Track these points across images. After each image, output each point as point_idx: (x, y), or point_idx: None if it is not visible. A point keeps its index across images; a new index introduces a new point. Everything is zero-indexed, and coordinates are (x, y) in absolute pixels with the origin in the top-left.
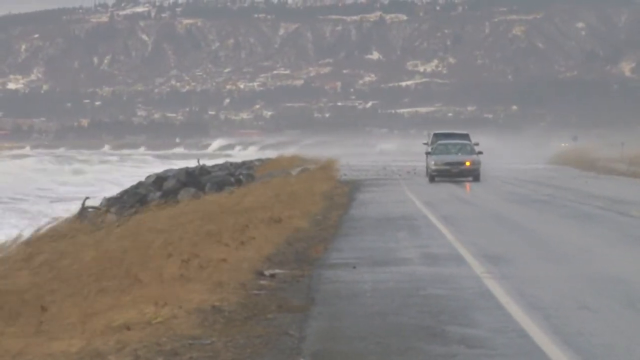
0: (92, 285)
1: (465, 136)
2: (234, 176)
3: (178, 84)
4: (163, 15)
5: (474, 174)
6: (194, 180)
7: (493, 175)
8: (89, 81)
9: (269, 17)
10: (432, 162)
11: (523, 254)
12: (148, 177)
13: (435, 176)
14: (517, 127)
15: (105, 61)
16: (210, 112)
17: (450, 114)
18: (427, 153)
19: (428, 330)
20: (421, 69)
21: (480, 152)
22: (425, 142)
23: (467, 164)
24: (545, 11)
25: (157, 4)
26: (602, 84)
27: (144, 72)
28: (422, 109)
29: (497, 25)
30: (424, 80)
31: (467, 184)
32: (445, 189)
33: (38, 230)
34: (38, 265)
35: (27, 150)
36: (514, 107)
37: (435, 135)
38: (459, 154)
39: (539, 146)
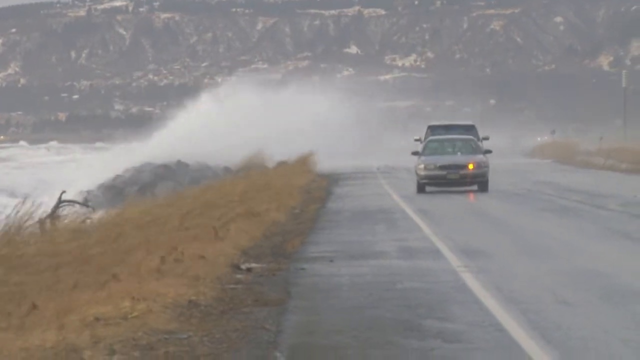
0: (68, 280)
1: (470, 128)
2: (211, 169)
3: (156, 77)
4: (141, 9)
5: (479, 181)
6: (172, 174)
7: None
8: (67, 75)
9: (247, 11)
10: (422, 166)
11: (500, 248)
12: (125, 170)
13: (426, 184)
14: (495, 121)
15: (83, 55)
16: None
17: (428, 109)
18: (416, 153)
19: (405, 324)
20: (399, 63)
21: (488, 151)
22: (417, 138)
23: (470, 167)
24: (523, 6)
25: None
26: (580, 79)
27: (121, 66)
28: (401, 103)
29: (475, 19)
30: (402, 74)
31: (471, 194)
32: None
33: (14, 223)
34: (13, 260)
35: (23, 143)
36: (492, 102)
37: (430, 128)
38: (459, 153)
39: (517, 140)
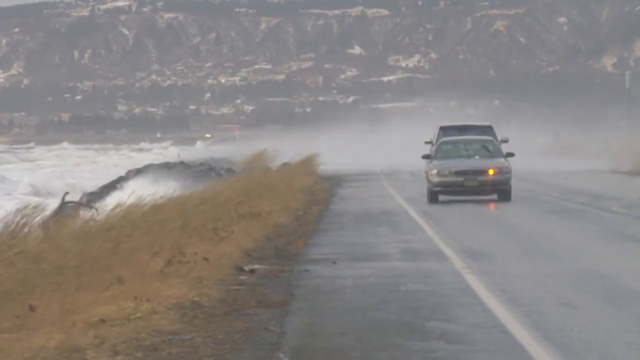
0: (72, 281)
1: (487, 130)
2: (214, 171)
3: (159, 78)
4: (144, 9)
5: (500, 189)
6: (174, 175)
7: None
8: (70, 75)
9: (250, 11)
10: (434, 171)
11: (504, 250)
12: (129, 171)
13: (439, 192)
14: (499, 122)
15: (86, 55)
16: (191, 107)
17: (431, 110)
18: (426, 157)
19: (408, 326)
20: (403, 64)
21: (510, 154)
22: (427, 140)
23: (490, 172)
24: (527, 6)
25: None
26: (584, 79)
27: (124, 67)
28: (404, 104)
29: (479, 20)
30: (405, 75)
31: (491, 203)
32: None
33: (18, 223)
34: (18, 260)
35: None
36: (496, 102)
37: (442, 129)
38: (477, 156)
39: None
